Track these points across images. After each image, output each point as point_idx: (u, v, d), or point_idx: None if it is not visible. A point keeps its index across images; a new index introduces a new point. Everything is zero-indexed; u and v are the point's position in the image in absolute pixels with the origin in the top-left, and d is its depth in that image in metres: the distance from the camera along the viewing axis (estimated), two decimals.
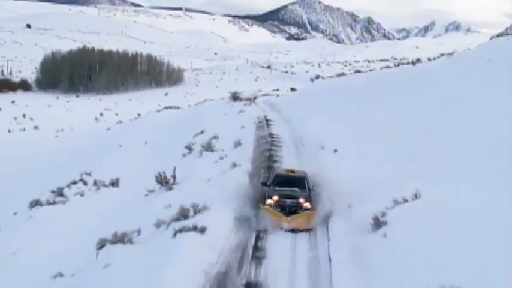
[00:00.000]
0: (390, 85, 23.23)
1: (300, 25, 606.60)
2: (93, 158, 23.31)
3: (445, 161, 11.50)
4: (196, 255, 8.07)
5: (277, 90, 69.70)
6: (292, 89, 59.36)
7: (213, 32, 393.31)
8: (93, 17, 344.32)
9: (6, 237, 12.58)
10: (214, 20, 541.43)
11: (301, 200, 10.85)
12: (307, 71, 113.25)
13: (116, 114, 57.12)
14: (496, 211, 7.52)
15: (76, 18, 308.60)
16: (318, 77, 75.51)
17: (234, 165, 14.96)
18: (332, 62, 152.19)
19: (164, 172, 14.34)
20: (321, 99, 28.93)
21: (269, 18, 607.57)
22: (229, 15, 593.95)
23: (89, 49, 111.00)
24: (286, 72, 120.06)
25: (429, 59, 37.17)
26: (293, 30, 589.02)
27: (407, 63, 35.19)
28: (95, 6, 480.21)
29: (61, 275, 9.33)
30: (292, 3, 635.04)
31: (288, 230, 9.98)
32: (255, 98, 46.71)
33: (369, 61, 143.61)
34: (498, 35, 26.09)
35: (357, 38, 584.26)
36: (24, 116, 52.30)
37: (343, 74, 50.28)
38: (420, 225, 7.91)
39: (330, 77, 51.67)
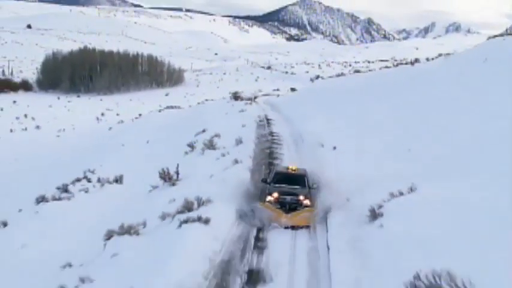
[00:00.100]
0: (389, 85, 23.43)
1: (300, 26, 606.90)
2: (95, 157, 23.46)
3: (443, 160, 11.67)
4: (201, 244, 8.42)
5: (278, 90, 70.07)
6: (293, 89, 59.77)
7: (213, 33, 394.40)
8: (94, 18, 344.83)
9: (14, 232, 12.79)
10: (214, 20, 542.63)
11: (301, 197, 11.02)
12: (307, 72, 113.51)
13: (117, 114, 57.45)
14: (488, 201, 7.78)
15: (76, 19, 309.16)
16: (318, 77, 75.97)
17: (236, 161, 15.33)
18: (332, 63, 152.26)
19: (168, 168, 14.61)
20: (321, 99, 29.23)
21: (269, 19, 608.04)
22: (230, 16, 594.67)
23: (89, 49, 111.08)
24: (286, 72, 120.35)
25: (427, 59, 37.44)
26: (293, 31, 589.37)
27: (406, 64, 35.55)
28: (96, 7, 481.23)
29: (70, 265, 9.59)
30: (292, 4, 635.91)
31: (287, 227, 10.16)
32: (255, 97, 47.07)
33: (368, 62, 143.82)
34: (496, 36, 26.35)
35: (357, 39, 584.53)
36: (25, 116, 52.47)
37: (342, 75, 50.63)
38: (415, 216, 8.24)
39: (330, 77, 51.99)
